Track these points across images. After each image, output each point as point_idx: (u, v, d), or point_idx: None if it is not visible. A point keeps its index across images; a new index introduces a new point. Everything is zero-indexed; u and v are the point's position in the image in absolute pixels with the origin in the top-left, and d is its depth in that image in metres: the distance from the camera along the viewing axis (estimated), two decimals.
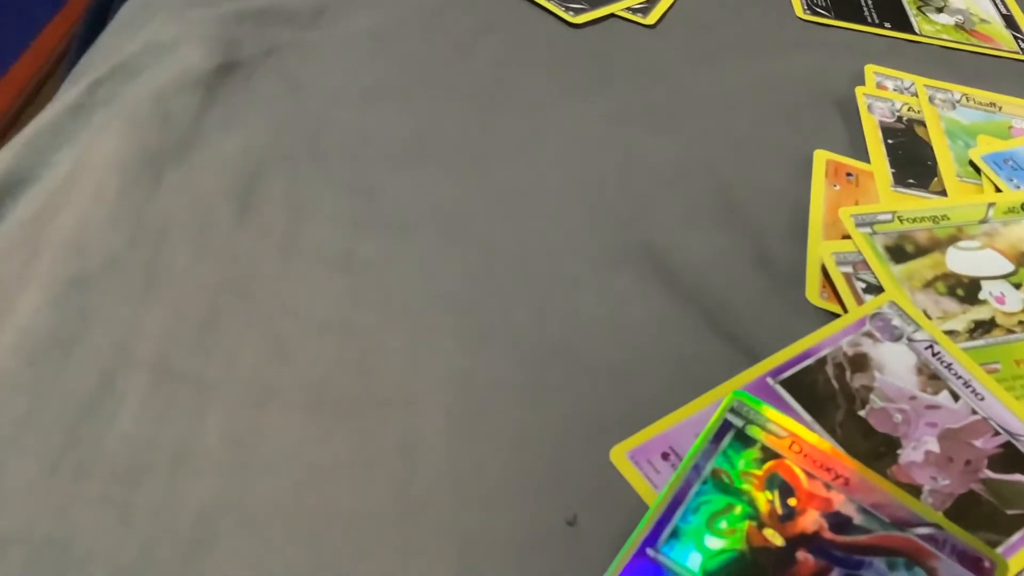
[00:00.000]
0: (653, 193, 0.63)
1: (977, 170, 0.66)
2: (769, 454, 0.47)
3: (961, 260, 0.59)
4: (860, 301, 0.56)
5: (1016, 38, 0.81)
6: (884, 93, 0.72)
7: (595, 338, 0.54)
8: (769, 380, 0.51)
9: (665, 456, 0.48)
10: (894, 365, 0.52)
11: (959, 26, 0.81)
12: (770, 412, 0.48)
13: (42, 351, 0.48)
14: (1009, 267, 0.59)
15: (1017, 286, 0.58)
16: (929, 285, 0.57)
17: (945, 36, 0.80)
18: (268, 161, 0.60)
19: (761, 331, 0.55)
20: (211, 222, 0.56)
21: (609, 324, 0.55)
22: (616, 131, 0.67)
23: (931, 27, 0.81)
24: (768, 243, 0.61)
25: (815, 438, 0.48)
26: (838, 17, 0.81)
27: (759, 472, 0.46)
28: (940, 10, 0.82)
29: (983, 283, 0.58)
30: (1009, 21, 0.83)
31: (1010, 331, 0.55)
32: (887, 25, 0.80)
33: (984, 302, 0.57)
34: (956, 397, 0.51)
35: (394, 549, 0.43)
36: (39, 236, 0.54)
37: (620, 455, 0.48)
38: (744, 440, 0.47)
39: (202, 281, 0.52)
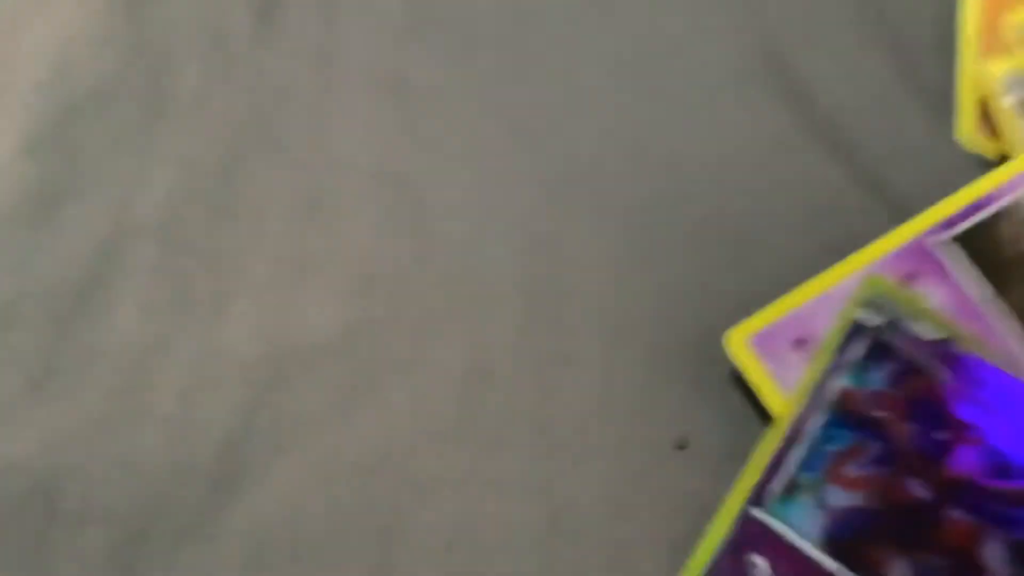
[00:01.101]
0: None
1: None
2: (913, 368, 0.37)
3: None
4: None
5: None
6: None
7: (704, 181, 0.44)
8: (933, 240, 0.40)
9: (800, 343, 0.38)
10: None
11: None
12: (921, 306, 0.38)
13: (23, 215, 0.39)
14: None
15: None
16: None
17: None
18: None
19: (904, 171, 0.46)
20: (225, 35, 0.45)
21: (721, 162, 0.45)
22: None
23: None
24: (911, 57, 0.50)
25: (976, 342, 0.37)
26: None
27: (900, 394, 0.36)
28: None
29: None
30: None
31: None
32: None
33: None
34: None
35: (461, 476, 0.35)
36: (9, 55, 0.43)
37: (739, 342, 0.39)
38: (882, 349, 0.37)
39: (216, 117, 0.42)
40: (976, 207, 0.42)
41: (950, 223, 0.41)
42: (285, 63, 0.45)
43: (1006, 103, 0.47)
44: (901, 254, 0.41)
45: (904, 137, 0.47)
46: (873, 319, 0.38)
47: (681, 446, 0.37)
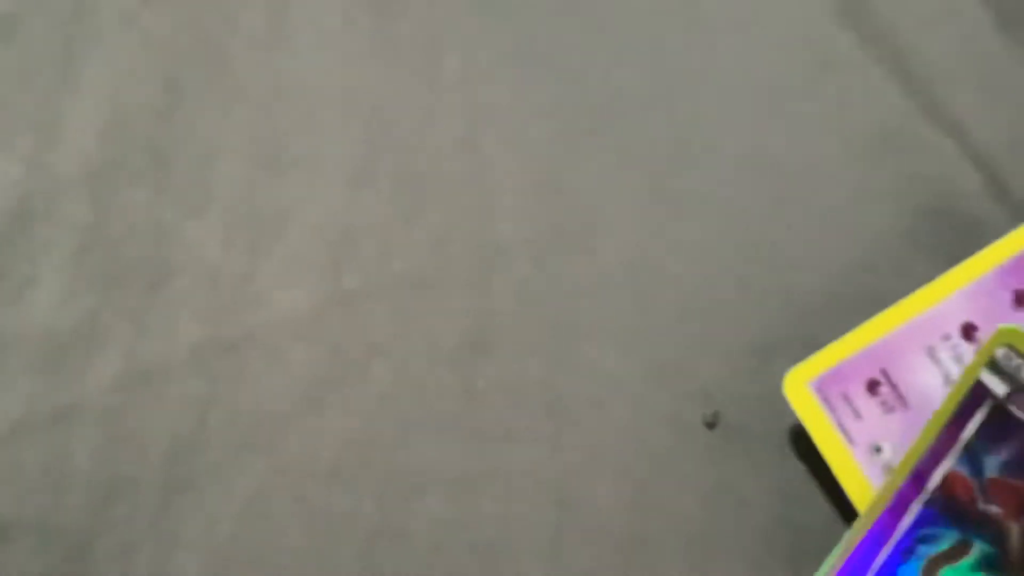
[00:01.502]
0: None
1: None
2: None
3: None
4: None
5: None
6: None
7: (745, 115, 0.36)
8: None
9: (873, 387, 0.30)
10: None
11: None
12: None
13: None
14: None
15: None
16: None
17: None
18: None
19: (980, 104, 0.36)
20: None
21: (765, 89, 0.36)
22: None
23: None
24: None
25: None
26: None
27: (1019, 485, 0.26)
28: None
29: None
30: None
31: None
32: None
33: None
34: None
35: (457, 472, 0.27)
36: None
37: (798, 385, 0.30)
38: (1004, 423, 0.27)
39: (152, 45, 0.33)
40: None
41: None
42: None
43: None
44: (1011, 268, 0.31)
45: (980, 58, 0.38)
46: (1000, 384, 0.28)
47: (711, 424, 0.29)
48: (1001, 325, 0.28)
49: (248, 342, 0.29)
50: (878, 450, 0.30)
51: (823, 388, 0.30)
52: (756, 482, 0.29)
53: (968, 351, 0.30)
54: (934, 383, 0.30)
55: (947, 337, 0.30)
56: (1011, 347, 0.28)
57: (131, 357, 0.28)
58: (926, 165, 0.35)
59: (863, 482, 0.29)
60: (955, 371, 0.30)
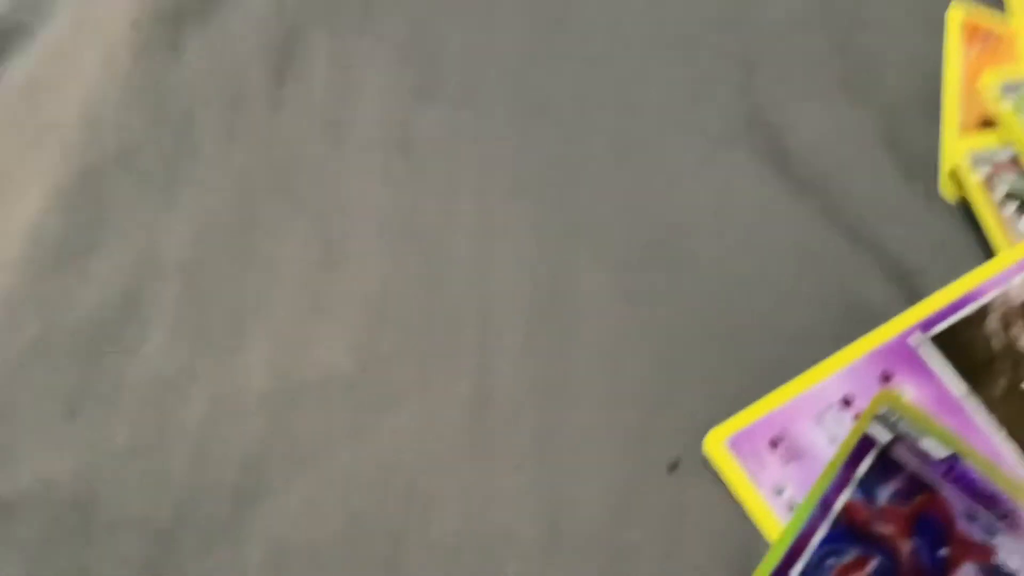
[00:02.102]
0: (763, 52, 0.54)
1: None
2: (920, 484, 0.38)
3: None
4: (1003, 221, 0.47)
5: None
6: None
7: (699, 234, 0.46)
8: (912, 340, 0.42)
9: (774, 444, 0.40)
10: None
11: None
12: (929, 423, 0.39)
13: (52, 262, 0.40)
14: None
15: None
16: None
17: None
18: (307, 16, 0.51)
19: (891, 230, 0.47)
20: (243, 96, 0.48)
21: (715, 216, 0.47)
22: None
23: None
24: (896, 119, 0.52)
25: (983, 462, 0.39)
26: None
27: (905, 510, 0.37)
28: None
29: None
30: None
31: None
32: None
33: None
34: None
35: (463, 486, 0.37)
36: (39, 113, 0.46)
37: (717, 444, 0.40)
38: (889, 464, 0.38)
39: (235, 172, 0.44)
40: (952, 308, 0.43)
41: (928, 324, 0.43)
42: (297, 122, 0.47)
43: (974, 179, 0.49)
44: (883, 352, 0.42)
45: (888, 192, 0.49)
46: (883, 434, 0.39)
47: (673, 466, 0.38)
48: (883, 390, 0.39)
49: (303, 389, 0.39)
50: (780, 492, 0.40)
51: (736, 444, 0.41)
52: (710, 514, 0.38)
53: (846, 417, 0.41)
54: (821, 440, 0.40)
55: (830, 406, 0.41)
56: (891, 406, 0.39)
57: (216, 398, 0.38)
58: (845, 277, 0.46)
59: (770, 516, 0.40)
60: (837, 432, 0.40)
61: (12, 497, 0.35)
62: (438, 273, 0.42)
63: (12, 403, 0.37)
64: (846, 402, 0.41)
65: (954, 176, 0.49)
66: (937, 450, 0.39)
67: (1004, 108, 0.50)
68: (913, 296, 0.45)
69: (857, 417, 0.40)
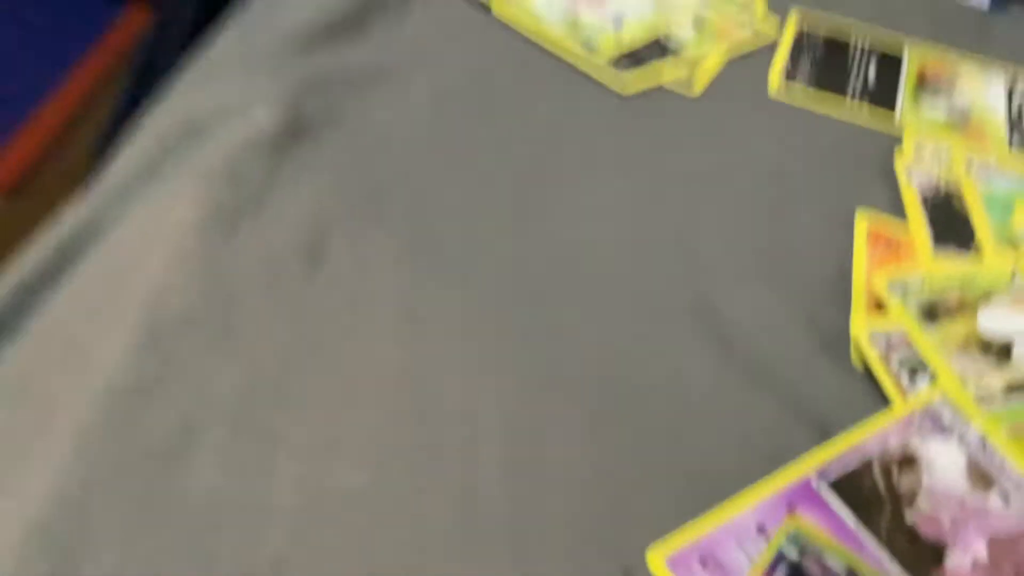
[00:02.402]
0: (703, 249, 0.65)
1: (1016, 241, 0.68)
2: None
3: (992, 321, 0.61)
4: (898, 384, 0.57)
5: (1011, 134, 0.79)
6: (922, 162, 0.74)
7: (649, 392, 0.56)
8: (813, 481, 0.51)
9: (703, 562, 0.48)
10: (943, 464, 0.53)
11: (951, 118, 0.79)
12: (830, 543, 0.49)
13: (125, 400, 0.50)
14: None
15: None
16: (963, 348, 0.59)
17: (927, 126, 0.78)
18: (334, 218, 0.63)
19: (810, 390, 0.58)
20: (282, 277, 0.58)
21: (662, 378, 0.57)
22: (665, 190, 0.69)
23: (916, 116, 0.79)
24: (815, 303, 0.63)
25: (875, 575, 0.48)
26: (816, 91, 0.81)
27: None
28: (938, 100, 0.81)
29: (1015, 343, 0.59)
30: (1013, 120, 0.80)
31: None
32: (866, 105, 0.80)
33: (1018, 362, 0.58)
34: (1007, 500, 0.51)
35: None
36: (118, 287, 0.57)
37: (658, 561, 0.48)
38: (800, 574, 0.47)
39: (275, 333, 0.55)
40: (843, 458, 0.53)
41: (824, 469, 0.52)
42: (325, 297, 0.58)
43: (874, 351, 0.60)
44: (790, 490, 0.51)
45: (809, 363, 0.60)
46: (792, 551, 0.49)
47: (626, 574, 0.47)
48: (790, 516, 0.49)
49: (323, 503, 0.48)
50: None
51: (673, 562, 0.49)
52: None
53: (761, 540, 0.50)
54: (741, 559, 0.49)
55: (748, 532, 0.50)
56: (798, 529, 0.48)
57: (249, 516, 0.47)
58: (768, 429, 0.56)
59: None
60: (753, 552, 0.49)
61: None
62: (434, 410, 0.52)
63: (89, 512, 0.46)
64: (760, 529, 0.50)
65: (859, 348, 0.60)
66: (837, 566, 0.48)
67: (893, 300, 0.62)
68: (826, 441, 0.55)
69: (769, 539, 0.49)
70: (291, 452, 0.49)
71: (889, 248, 0.67)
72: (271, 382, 0.52)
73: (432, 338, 0.56)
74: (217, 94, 0.72)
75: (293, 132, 0.68)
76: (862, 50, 0.87)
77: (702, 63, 0.82)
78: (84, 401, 0.50)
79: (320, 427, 0.51)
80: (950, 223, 0.70)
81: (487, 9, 0.85)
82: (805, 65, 0.84)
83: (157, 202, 0.63)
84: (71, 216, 0.61)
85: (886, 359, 0.59)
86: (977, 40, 0.91)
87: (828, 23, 0.89)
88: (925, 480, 0.52)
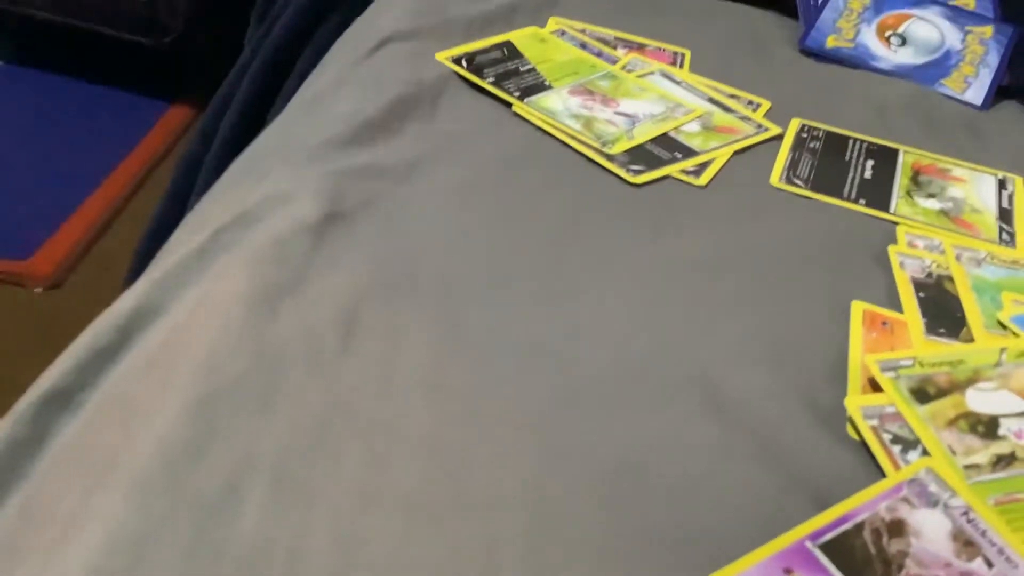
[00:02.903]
0: (708, 331, 0.70)
1: (1004, 326, 0.73)
2: None
3: (980, 400, 0.65)
4: (891, 456, 0.61)
5: (1001, 229, 0.84)
6: (915, 251, 0.80)
7: (656, 463, 0.60)
8: (808, 544, 0.55)
9: None
10: (930, 530, 0.56)
11: (944, 212, 0.85)
12: None
13: (177, 458, 0.55)
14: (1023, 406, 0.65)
15: None
16: (952, 423, 0.64)
17: (921, 219, 0.84)
18: (368, 296, 0.68)
19: (808, 463, 0.61)
20: (320, 348, 0.64)
21: (669, 450, 0.61)
22: (674, 276, 0.75)
23: (910, 209, 0.85)
24: (814, 382, 0.68)
25: None
26: (814, 189, 0.86)
27: None
28: (932, 195, 0.86)
29: (1001, 420, 0.64)
30: (1004, 215, 0.86)
31: None
32: (862, 201, 0.85)
33: (1004, 437, 0.63)
34: (990, 564, 0.55)
35: None
36: (173, 358, 0.62)
37: None
38: None
39: (312, 400, 0.60)
40: (836, 523, 0.56)
41: (817, 534, 0.56)
42: (359, 368, 0.63)
43: (867, 427, 0.64)
44: (786, 553, 0.55)
45: (806, 437, 0.64)
46: None
47: None
48: None
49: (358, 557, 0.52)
50: None
51: None
52: None
53: None
54: None
55: None
56: None
57: (287, 568, 0.52)
58: (769, 499, 0.59)
59: None
60: None
61: None
62: (460, 473, 0.57)
63: (142, 557, 0.51)
64: None
65: (854, 424, 0.64)
66: None
67: (885, 378, 0.66)
68: (823, 510, 0.59)
69: None
70: (326, 507, 0.54)
71: (884, 333, 0.72)
72: (308, 444, 0.57)
73: (457, 408, 0.61)
74: (264, 186, 0.78)
75: (333, 219, 0.74)
76: (859, 149, 0.93)
77: (710, 159, 0.88)
78: (140, 460, 0.55)
79: (354, 485, 0.55)
80: (942, 309, 0.74)
81: (508, 105, 0.92)
82: (805, 163, 0.90)
83: (208, 283, 0.69)
84: (129, 298, 0.67)
85: (879, 433, 0.63)
86: (971, 137, 0.97)
87: (827, 128, 0.95)
88: (913, 545, 0.56)
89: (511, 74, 0.96)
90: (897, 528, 0.57)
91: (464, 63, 0.97)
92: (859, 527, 0.57)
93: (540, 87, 0.95)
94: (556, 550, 0.54)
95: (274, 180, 0.77)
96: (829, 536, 0.56)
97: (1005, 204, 0.87)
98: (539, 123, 0.90)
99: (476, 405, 0.61)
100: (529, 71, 0.97)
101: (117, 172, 1.68)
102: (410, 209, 0.78)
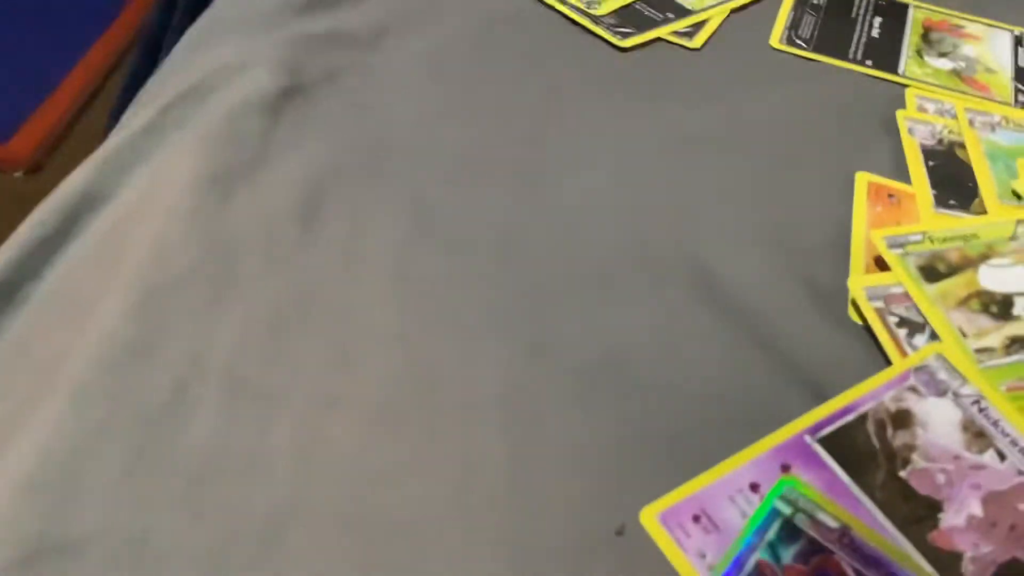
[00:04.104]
0: (701, 211, 0.65)
1: (1019, 196, 0.67)
2: (818, 548, 0.47)
3: (993, 277, 0.60)
4: (897, 342, 0.57)
5: (1018, 90, 0.78)
6: (925, 116, 0.74)
7: (643, 354, 0.56)
8: (807, 438, 0.51)
9: (696, 519, 0.48)
10: (938, 421, 0.52)
11: (955, 72, 0.79)
12: (824, 500, 0.48)
13: (120, 359, 0.51)
14: None
15: None
16: (963, 303, 0.59)
17: (931, 80, 0.78)
18: (330, 179, 0.63)
19: (806, 351, 0.57)
20: (277, 238, 0.59)
21: (657, 340, 0.57)
22: (665, 151, 0.69)
23: (920, 70, 0.79)
24: (814, 263, 0.63)
25: (869, 532, 0.48)
26: (818, 50, 0.80)
27: (805, 568, 0.46)
28: (944, 55, 0.80)
29: (1016, 299, 0.59)
30: (1020, 74, 0.79)
31: None
32: (868, 63, 0.79)
33: (1019, 317, 0.58)
34: (1003, 456, 0.51)
35: (449, 554, 0.46)
36: (118, 249, 0.57)
37: (651, 518, 0.48)
38: (792, 531, 0.47)
39: (269, 294, 0.55)
40: (837, 415, 0.53)
41: (818, 427, 0.52)
42: (319, 258, 0.58)
43: (872, 310, 0.59)
44: (783, 448, 0.51)
45: (805, 321, 0.59)
46: (786, 507, 0.49)
47: (619, 531, 0.47)
48: (783, 476, 0.49)
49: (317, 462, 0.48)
50: (703, 556, 0.49)
51: (666, 518, 0.49)
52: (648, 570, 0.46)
53: (754, 498, 0.50)
54: (735, 516, 0.49)
55: (741, 490, 0.50)
56: (791, 486, 0.48)
57: (245, 468, 0.48)
58: (763, 388, 0.55)
59: (695, 574, 0.48)
60: (747, 509, 0.50)
61: (76, 536, 0.44)
62: (429, 372, 0.53)
63: (79, 469, 0.47)
64: (753, 487, 0.50)
65: (857, 305, 0.60)
66: (831, 522, 0.48)
67: (892, 256, 0.61)
68: (822, 402, 0.55)
69: (763, 497, 0.50)
70: (286, 411, 0.49)
71: (890, 206, 0.67)
72: (266, 342, 0.53)
73: (428, 302, 0.56)
74: (215, 57, 0.71)
75: (291, 93, 0.68)
76: (866, 5, 0.86)
77: (704, 18, 0.81)
78: (81, 362, 0.51)
79: (316, 386, 0.51)
80: (953, 179, 0.69)
81: None
82: (808, 21, 0.83)
83: (157, 164, 0.63)
84: (74, 182, 0.62)
85: (884, 316, 0.59)
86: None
87: None
88: (920, 437, 0.52)
89: None
90: (903, 419, 0.53)
91: None
92: (862, 419, 0.53)
93: None
94: (536, 453, 0.50)
95: (225, 49, 0.71)
96: (829, 429, 0.52)
97: (1022, 63, 0.80)
98: None
99: (447, 298, 0.57)
100: None
101: (93, 50, 1.61)
102: (378, 81, 0.71)
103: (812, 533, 0.47)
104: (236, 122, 0.64)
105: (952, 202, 0.67)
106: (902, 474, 0.50)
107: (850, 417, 0.53)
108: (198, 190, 0.60)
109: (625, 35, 0.78)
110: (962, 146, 0.71)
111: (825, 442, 0.52)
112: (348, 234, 0.60)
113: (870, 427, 0.52)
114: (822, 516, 0.48)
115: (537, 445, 0.50)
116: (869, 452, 0.51)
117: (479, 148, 0.67)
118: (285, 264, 0.57)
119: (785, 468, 0.51)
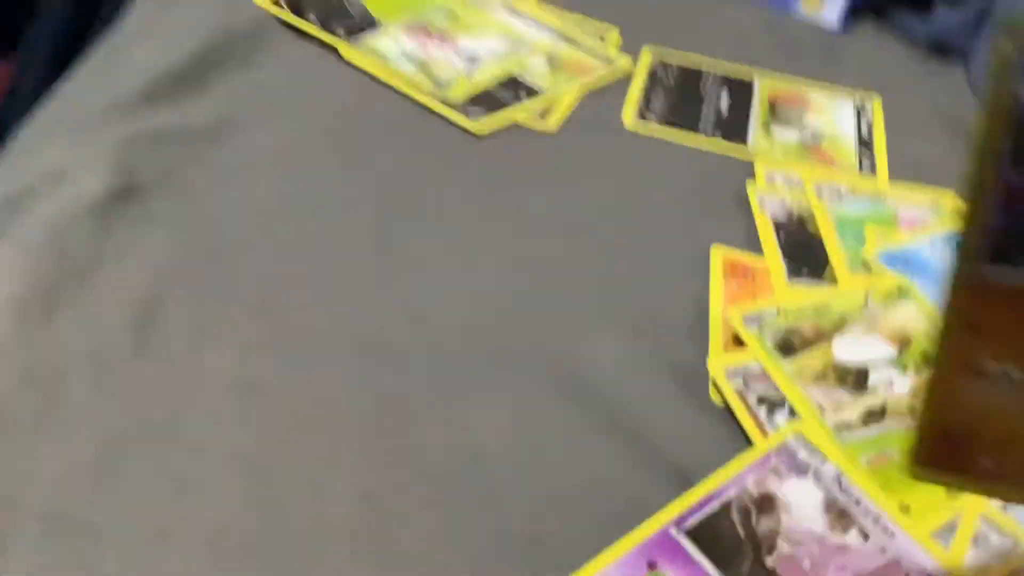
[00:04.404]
0: (559, 301, 0.64)
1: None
2: None
3: (847, 349, 0.61)
4: (758, 421, 0.56)
5: (861, 158, 0.80)
6: (774, 188, 0.75)
7: (506, 456, 0.54)
8: (673, 531, 0.50)
9: None
10: (801, 503, 0.52)
11: (802, 143, 0.80)
12: None
13: None
14: (892, 352, 0.61)
15: (903, 369, 0.59)
16: (820, 378, 0.59)
17: (778, 152, 0.79)
18: (168, 286, 0.60)
19: (671, 438, 0.56)
20: (109, 355, 0.55)
21: (520, 440, 0.55)
22: (519, 238, 0.68)
23: (767, 143, 0.80)
24: (674, 345, 0.62)
25: None
26: (670, 125, 0.80)
27: None
28: (789, 125, 0.81)
29: (871, 370, 0.59)
30: (863, 142, 0.81)
31: (902, 416, 0.57)
32: (719, 135, 0.80)
33: (874, 389, 0.58)
34: (866, 536, 0.50)
35: None
36: None
37: None
38: None
39: (98, 418, 0.51)
40: (702, 503, 0.51)
41: (682, 518, 0.50)
42: (157, 374, 0.55)
43: (731, 389, 0.59)
44: (649, 544, 0.49)
45: (668, 406, 0.58)
46: None
47: None
48: (649, 571, 0.47)
49: None
50: None
51: None
52: None
53: None
54: None
55: None
56: None
57: None
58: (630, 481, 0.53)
59: None
60: None
61: None
62: (274, 497, 0.49)
63: None
64: None
65: (717, 386, 0.59)
66: None
67: (748, 334, 0.61)
68: (688, 489, 0.53)
69: None
70: (111, 548, 0.45)
71: (745, 281, 0.67)
72: (92, 473, 0.48)
73: (274, 416, 0.53)
74: (45, 160, 0.67)
75: (125, 196, 0.65)
76: (714, 80, 0.87)
77: (558, 100, 0.81)
78: None
79: (148, 519, 0.47)
80: (804, 249, 0.70)
81: (337, 50, 0.83)
82: (659, 99, 0.84)
83: None
84: None
85: (745, 395, 0.58)
86: (827, 61, 0.92)
87: (680, 58, 0.89)
88: (784, 521, 0.51)
89: (338, 13, 0.86)
90: (766, 504, 0.52)
91: (283, 3, 0.86)
92: (726, 507, 0.52)
93: (370, 25, 0.85)
94: (393, 572, 0.47)
95: (54, 152, 0.67)
96: (694, 520, 0.51)
97: (864, 130, 0.83)
98: (371, 69, 0.81)
99: (298, 409, 0.54)
100: (357, 8, 0.88)
101: None
102: (218, 180, 0.68)
103: None
104: (62, 232, 0.60)
105: (805, 272, 0.68)
106: (768, 561, 0.49)
107: (715, 505, 0.52)
108: (20, 310, 0.56)
109: (477, 116, 0.77)
110: (812, 217, 0.72)
111: (691, 534, 0.50)
112: (186, 346, 0.56)
113: (735, 515, 0.51)
114: None
115: (393, 565, 0.47)
116: (735, 541, 0.50)
117: (327, 246, 0.64)
118: (116, 385, 0.53)
119: (652, 565, 0.49)
